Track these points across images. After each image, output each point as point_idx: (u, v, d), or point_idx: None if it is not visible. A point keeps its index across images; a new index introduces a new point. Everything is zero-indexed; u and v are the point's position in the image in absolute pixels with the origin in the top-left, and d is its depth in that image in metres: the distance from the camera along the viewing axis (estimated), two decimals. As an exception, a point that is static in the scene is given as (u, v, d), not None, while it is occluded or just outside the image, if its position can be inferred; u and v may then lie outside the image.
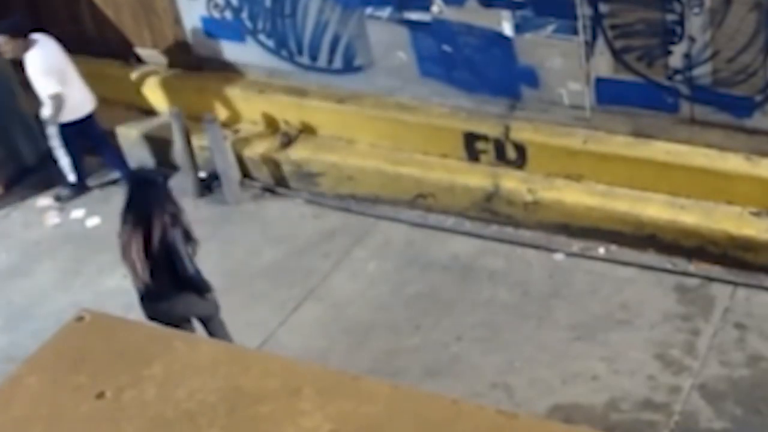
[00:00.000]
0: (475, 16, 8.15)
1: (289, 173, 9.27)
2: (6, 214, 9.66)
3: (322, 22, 8.96)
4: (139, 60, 10.11)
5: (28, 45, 9.10)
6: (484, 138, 8.51)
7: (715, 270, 7.74)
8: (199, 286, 6.81)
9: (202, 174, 9.44)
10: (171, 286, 6.71)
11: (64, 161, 9.50)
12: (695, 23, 7.39)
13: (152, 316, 6.81)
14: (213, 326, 7.10)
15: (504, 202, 8.42)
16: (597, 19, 7.71)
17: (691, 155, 7.88)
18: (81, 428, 3.42)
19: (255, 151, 9.37)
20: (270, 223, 9.02)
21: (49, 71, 9.07)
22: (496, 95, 8.49)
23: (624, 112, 8.06)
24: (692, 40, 7.47)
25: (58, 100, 9.10)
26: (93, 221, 9.37)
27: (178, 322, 6.67)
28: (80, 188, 9.72)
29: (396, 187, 8.83)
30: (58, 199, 9.69)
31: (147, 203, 6.63)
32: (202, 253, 8.55)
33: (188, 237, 6.79)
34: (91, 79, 10.19)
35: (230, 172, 9.26)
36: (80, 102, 9.27)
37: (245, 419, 3.32)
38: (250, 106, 9.48)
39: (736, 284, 7.60)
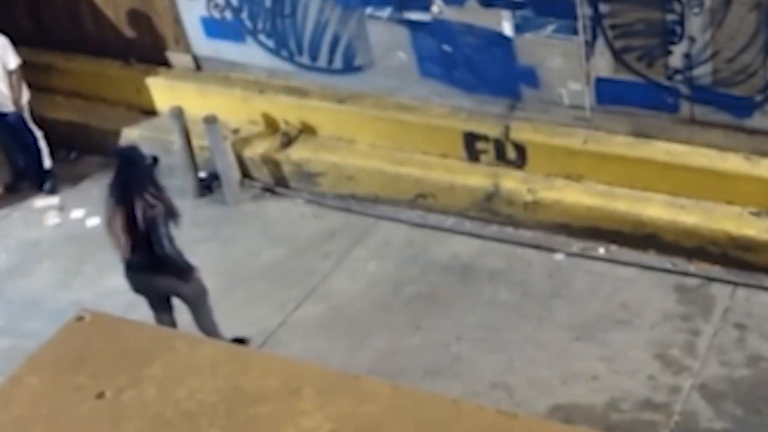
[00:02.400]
0: (475, 16, 8.15)
1: (289, 173, 9.27)
2: (6, 214, 9.66)
3: (322, 22, 8.96)
4: (139, 60, 10.11)
5: None
6: (484, 138, 8.51)
7: (715, 270, 7.74)
8: (175, 266, 7.01)
9: (202, 174, 9.44)
10: (151, 262, 6.94)
11: (38, 148, 9.60)
12: (695, 23, 7.39)
13: (137, 288, 7.12)
14: (198, 313, 7.24)
15: (504, 202, 8.42)
16: (597, 19, 7.71)
17: (691, 155, 7.88)
18: (81, 428, 3.41)
19: (255, 151, 9.37)
20: (270, 223, 9.02)
21: (1, 49, 9.16)
22: (496, 95, 8.48)
23: (624, 112, 8.06)
24: (692, 40, 7.47)
25: (20, 72, 9.21)
26: (93, 221, 9.36)
27: (161, 297, 7.08)
28: (54, 172, 9.76)
29: (396, 187, 8.83)
30: (51, 191, 9.70)
31: (130, 182, 6.88)
32: (202, 252, 8.57)
33: (171, 215, 6.94)
34: (91, 79, 10.23)
35: (230, 172, 9.25)
36: None
37: (245, 419, 3.32)
38: (250, 106, 9.48)
39: (736, 284, 7.60)
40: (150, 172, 7.00)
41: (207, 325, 7.29)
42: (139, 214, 6.79)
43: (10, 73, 9.19)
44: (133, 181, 6.88)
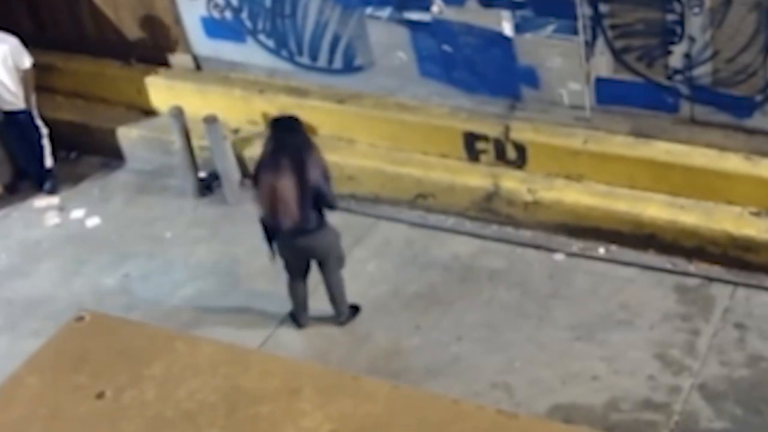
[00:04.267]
0: (475, 16, 8.15)
1: (289, 173, 9.26)
2: (6, 214, 9.66)
3: (322, 22, 8.96)
4: (139, 60, 10.11)
5: None
6: (484, 138, 8.51)
7: (715, 270, 7.74)
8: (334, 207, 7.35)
9: (202, 174, 9.44)
10: (317, 222, 7.29)
11: (42, 146, 9.63)
12: (695, 23, 7.39)
13: (287, 253, 7.45)
14: (331, 264, 7.57)
15: (504, 202, 8.42)
16: (597, 19, 7.71)
17: (691, 155, 7.88)
18: (81, 428, 3.42)
19: (255, 151, 9.34)
20: (270, 223, 9.01)
21: (15, 49, 9.20)
22: (496, 95, 8.48)
23: (624, 112, 8.06)
24: (692, 40, 7.47)
25: (32, 72, 9.27)
26: (93, 221, 9.36)
27: (315, 257, 7.45)
28: (54, 172, 9.77)
29: (396, 187, 8.83)
30: (51, 191, 9.70)
31: (298, 147, 7.14)
32: (202, 252, 8.58)
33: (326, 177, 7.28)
34: (91, 79, 10.22)
35: (230, 172, 9.25)
36: None
37: (245, 419, 3.33)
38: (250, 106, 9.48)
39: (736, 284, 7.60)
40: (308, 139, 7.30)
41: (336, 287, 7.65)
42: (313, 175, 7.08)
43: (24, 72, 9.24)
44: (302, 147, 7.15)
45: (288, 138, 7.17)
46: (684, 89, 7.73)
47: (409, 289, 8.05)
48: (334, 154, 9.07)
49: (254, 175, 7.38)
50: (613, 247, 8.09)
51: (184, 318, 7.99)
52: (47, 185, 9.75)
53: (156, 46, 9.97)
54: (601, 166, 8.15)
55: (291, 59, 9.33)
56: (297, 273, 7.58)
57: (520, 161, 8.45)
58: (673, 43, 7.56)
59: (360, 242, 8.60)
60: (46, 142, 9.59)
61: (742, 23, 7.25)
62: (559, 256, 8.15)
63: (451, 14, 8.25)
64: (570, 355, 7.26)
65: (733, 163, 7.77)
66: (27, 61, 9.25)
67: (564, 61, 8.00)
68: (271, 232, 7.36)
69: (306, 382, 3.48)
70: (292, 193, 7.09)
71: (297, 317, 7.80)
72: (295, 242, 7.34)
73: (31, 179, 9.84)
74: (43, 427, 3.48)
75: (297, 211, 7.14)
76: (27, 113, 9.40)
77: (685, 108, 7.82)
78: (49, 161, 9.66)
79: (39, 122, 9.51)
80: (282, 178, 7.07)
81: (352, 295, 8.05)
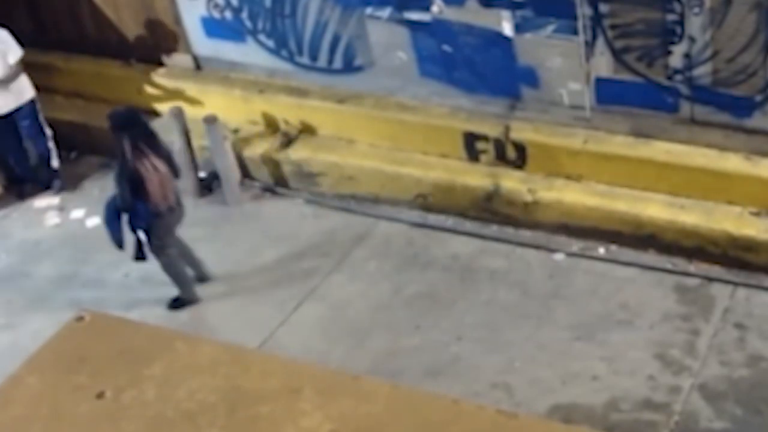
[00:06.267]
0: (475, 16, 8.16)
1: (289, 173, 9.27)
2: (6, 215, 9.66)
3: (322, 22, 8.96)
4: (139, 60, 10.11)
5: None
6: (484, 138, 8.51)
7: (715, 270, 7.74)
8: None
9: (202, 174, 9.44)
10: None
11: (48, 148, 9.63)
12: (695, 23, 7.39)
13: (171, 231, 7.95)
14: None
15: (504, 202, 8.42)
16: (597, 19, 7.71)
17: (691, 155, 7.88)
18: (81, 428, 3.42)
19: (255, 151, 9.37)
20: (270, 223, 9.02)
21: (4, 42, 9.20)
22: (496, 95, 8.48)
23: (624, 112, 8.06)
24: (692, 40, 7.47)
25: (19, 68, 9.25)
26: (93, 221, 9.35)
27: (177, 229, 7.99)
28: (60, 172, 9.78)
29: (396, 187, 8.83)
30: (60, 191, 9.69)
31: (150, 133, 7.75)
32: (202, 252, 8.58)
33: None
34: (91, 79, 10.23)
35: (230, 172, 9.25)
36: None
37: (245, 419, 3.33)
38: (250, 106, 9.48)
39: (736, 284, 7.60)
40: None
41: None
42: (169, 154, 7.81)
43: (15, 66, 9.21)
44: (150, 134, 7.74)
45: (139, 128, 7.67)
46: (684, 89, 7.74)
47: (409, 289, 8.05)
48: (334, 154, 9.09)
49: (129, 173, 7.55)
50: (613, 247, 8.09)
51: (184, 318, 7.99)
52: (56, 184, 9.74)
53: (156, 46, 9.97)
54: (601, 166, 8.15)
55: (291, 59, 9.33)
56: (174, 252, 8.00)
57: (520, 161, 8.45)
58: (673, 43, 7.56)
59: (360, 242, 8.60)
60: (51, 144, 9.58)
61: (742, 23, 7.25)
62: (559, 256, 8.16)
63: (451, 14, 8.25)
64: (570, 355, 7.26)
65: (733, 163, 7.77)
66: (15, 54, 9.17)
67: (564, 61, 8.00)
68: (145, 220, 7.68)
69: (306, 382, 3.47)
70: (169, 175, 7.69)
71: (190, 294, 8.12)
72: (173, 220, 7.85)
73: (33, 180, 9.83)
74: (43, 427, 3.48)
75: (174, 191, 7.77)
76: (32, 114, 9.36)
77: (685, 108, 7.82)
78: (55, 162, 9.66)
79: (42, 121, 9.47)
80: (159, 164, 7.61)
81: (352, 295, 8.07)
